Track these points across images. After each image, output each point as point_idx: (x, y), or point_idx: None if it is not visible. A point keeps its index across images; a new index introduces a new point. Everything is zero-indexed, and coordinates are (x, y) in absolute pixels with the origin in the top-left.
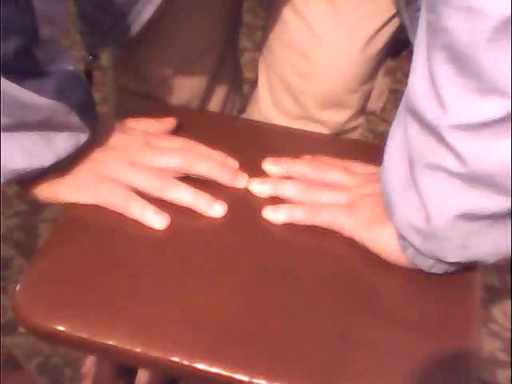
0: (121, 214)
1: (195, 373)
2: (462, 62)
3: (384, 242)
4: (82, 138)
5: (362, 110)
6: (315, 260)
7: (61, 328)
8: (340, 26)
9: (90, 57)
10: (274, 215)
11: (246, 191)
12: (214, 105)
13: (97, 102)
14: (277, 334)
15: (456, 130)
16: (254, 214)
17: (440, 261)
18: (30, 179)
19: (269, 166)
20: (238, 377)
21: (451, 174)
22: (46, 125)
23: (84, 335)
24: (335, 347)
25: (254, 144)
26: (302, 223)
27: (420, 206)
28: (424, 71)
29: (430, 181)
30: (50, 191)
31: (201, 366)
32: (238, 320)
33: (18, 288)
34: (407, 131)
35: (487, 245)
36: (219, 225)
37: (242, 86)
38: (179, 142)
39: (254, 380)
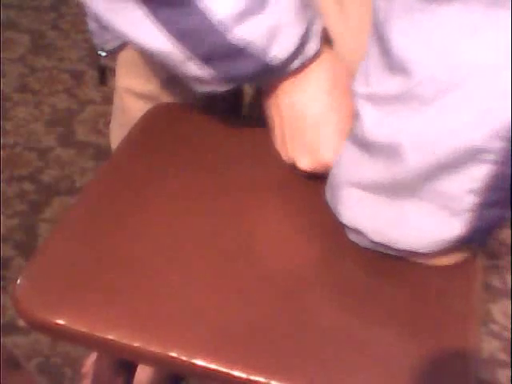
0: (120, 210)
1: (193, 369)
2: (380, 38)
3: None
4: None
5: None
6: (316, 261)
7: (61, 322)
8: (347, 22)
9: (104, 53)
10: None
11: (254, 186)
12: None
13: (97, 102)
14: (275, 332)
15: (365, 99)
16: (259, 214)
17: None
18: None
19: None
20: (236, 373)
21: (355, 140)
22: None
23: (84, 329)
24: (334, 345)
25: (255, 144)
26: None
27: (336, 162)
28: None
29: (346, 144)
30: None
31: (199, 362)
32: (237, 317)
33: (18, 282)
34: None
35: (375, 221)
36: (221, 222)
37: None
38: None
39: (252, 377)
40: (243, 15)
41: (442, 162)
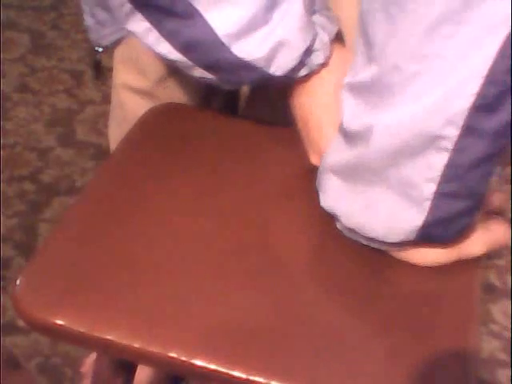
0: (120, 210)
1: (193, 369)
2: (363, 29)
3: None
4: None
5: None
6: (318, 262)
7: (60, 322)
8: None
9: (100, 49)
10: None
11: (253, 185)
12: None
13: (96, 102)
14: (275, 332)
15: (346, 88)
16: (259, 213)
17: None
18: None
19: None
20: (236, 374)
21: (339, 128)
22: None
23: (83, 329)
24: (334, 345)
25: (255, 143)
26: None
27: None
28: None
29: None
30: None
31: (199, 363)
32: (237, 317)
33: (18, 282)
34: None
35: (347, 206)
36: (221, 222)
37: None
38: None
39: (251, 377)
40: (246, 31)
41: (404, 146)
